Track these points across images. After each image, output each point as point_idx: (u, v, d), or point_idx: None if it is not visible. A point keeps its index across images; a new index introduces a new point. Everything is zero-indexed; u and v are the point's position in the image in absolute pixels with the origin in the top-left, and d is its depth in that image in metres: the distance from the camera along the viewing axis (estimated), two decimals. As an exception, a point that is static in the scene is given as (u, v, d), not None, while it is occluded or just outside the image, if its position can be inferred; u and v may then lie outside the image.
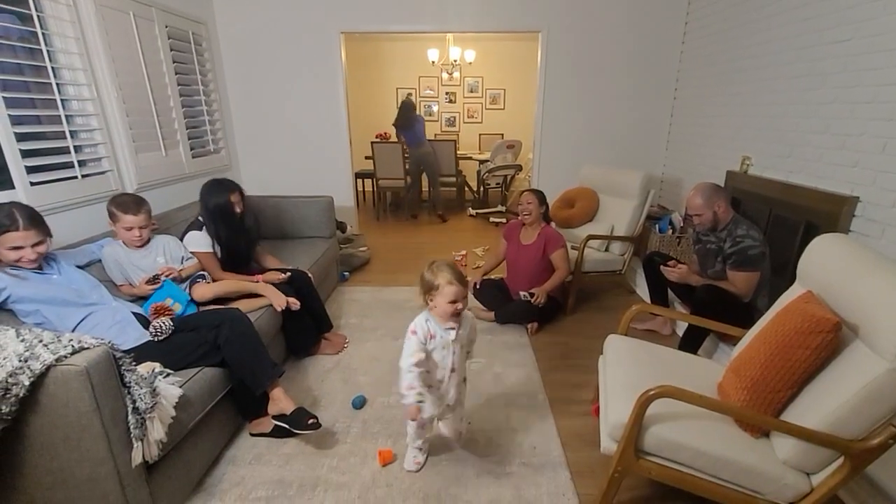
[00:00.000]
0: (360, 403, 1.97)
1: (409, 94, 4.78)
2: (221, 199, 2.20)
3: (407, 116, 4.95)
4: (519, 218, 2.83)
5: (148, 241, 2.00)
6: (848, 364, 1.17)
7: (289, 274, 2.31)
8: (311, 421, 1.64)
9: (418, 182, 5.54)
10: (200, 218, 2.24)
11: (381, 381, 2.16)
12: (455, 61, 6.07)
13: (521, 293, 2.68)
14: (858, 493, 1.52)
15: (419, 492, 1.54)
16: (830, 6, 2.06)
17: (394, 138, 6.54)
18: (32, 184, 1.91)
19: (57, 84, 2.04)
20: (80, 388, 1.07)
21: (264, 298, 2.08)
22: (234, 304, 1.97)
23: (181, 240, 2.17)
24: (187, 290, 1.98)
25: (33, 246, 1.52)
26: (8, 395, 1.01)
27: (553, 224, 2.85)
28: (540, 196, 2.78)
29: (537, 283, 2.67)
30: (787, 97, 2.35)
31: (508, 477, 1.61)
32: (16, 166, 1.85)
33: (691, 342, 2.11)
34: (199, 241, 2.18)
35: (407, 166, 5.28)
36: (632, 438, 1.30)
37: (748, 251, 1.97)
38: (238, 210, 2.27)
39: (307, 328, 2.32)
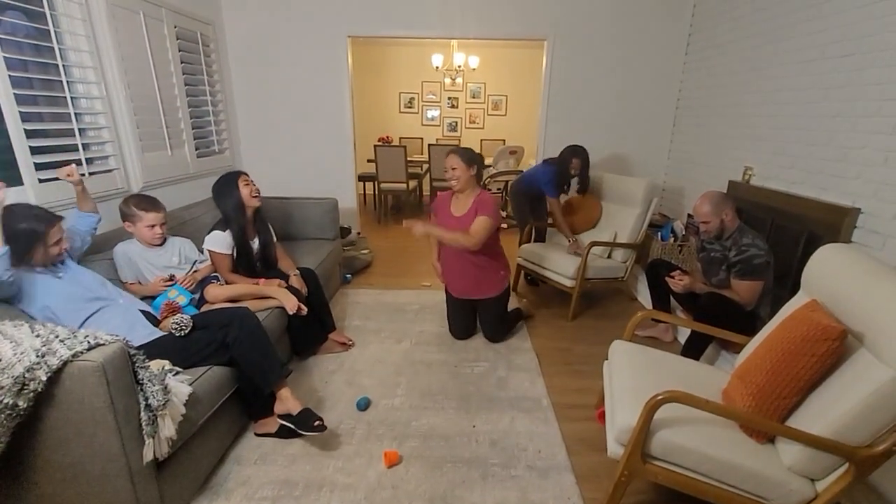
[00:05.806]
0: (364, 405, 1.98)
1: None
2: (235, 193, 2.15)
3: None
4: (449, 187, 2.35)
5: (164, 240, 2.01)
6: (853, 372, 1.19)
7: (297, 272, 2.33)
8: (317, 423, 1.64)
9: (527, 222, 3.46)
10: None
11: (385, 383, 2.17)
12: (459, 67, 6.11)
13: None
14: (858, 498, 1.53)
15: (425, 494, 1.55)
16: (835, 22, 2.10)
17: (396, 142, 6.60)
18: (41, 181, 1.91)
19: (67, 82, 2.05)
20: (96, 383, 1.08)
21: (274, 300, 2.08)
22: (243, 303, 1.97)
23: (204, 237, 2.16)
24: (199, 291, 1.98)
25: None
26: (25, 391, 1.01)
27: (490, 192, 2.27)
28: (467, 155, 2.24)
29: (476, 266, 2.34)
30: (791, 109, 2.38)
31: (514, 480, 1.62)
32: (25, 163, 1.86)
33: (694, 349, 2.13)
34: (219, 241, 2.14)
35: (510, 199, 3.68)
36: (639, 442, 1.31)
37: (753, 260, 1.99)
38: (255, 200, 2.20)
39: (313, 327, 2.33)
